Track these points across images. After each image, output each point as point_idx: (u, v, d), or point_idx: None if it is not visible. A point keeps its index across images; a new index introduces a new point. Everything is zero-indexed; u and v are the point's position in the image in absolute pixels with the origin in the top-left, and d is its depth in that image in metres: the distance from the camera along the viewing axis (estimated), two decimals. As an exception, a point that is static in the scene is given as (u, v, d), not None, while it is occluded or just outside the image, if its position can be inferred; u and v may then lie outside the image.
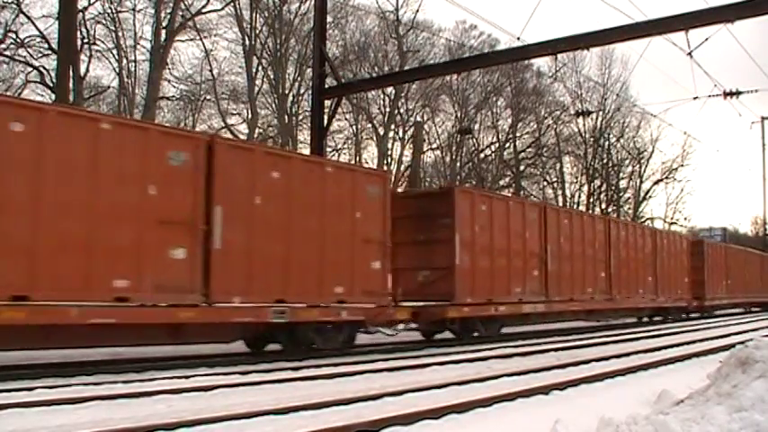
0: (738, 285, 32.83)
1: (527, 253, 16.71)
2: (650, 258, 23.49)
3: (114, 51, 29.29)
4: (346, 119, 36.45)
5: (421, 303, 13.82)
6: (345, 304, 11.86)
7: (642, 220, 47.14)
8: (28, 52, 24.79)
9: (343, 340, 12.38)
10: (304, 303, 11.22)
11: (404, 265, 14.03)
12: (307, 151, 20.18)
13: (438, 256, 14.55)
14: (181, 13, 28.89)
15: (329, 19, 25.03)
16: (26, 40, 24.62)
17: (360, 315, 12.25)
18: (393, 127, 38.53)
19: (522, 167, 43.99)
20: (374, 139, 38.33)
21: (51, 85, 23.36)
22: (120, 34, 29.15)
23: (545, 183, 46.55)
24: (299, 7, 33.05)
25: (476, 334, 15.41)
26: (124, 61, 29.85)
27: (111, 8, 28.17)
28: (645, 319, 25.01)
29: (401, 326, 14.72)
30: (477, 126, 42.10)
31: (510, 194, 35.68)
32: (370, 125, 38.01)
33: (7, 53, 24.96)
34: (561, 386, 8.03)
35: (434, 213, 14.75)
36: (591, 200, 46.14)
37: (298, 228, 11.25)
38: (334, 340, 12.11)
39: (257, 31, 33.13)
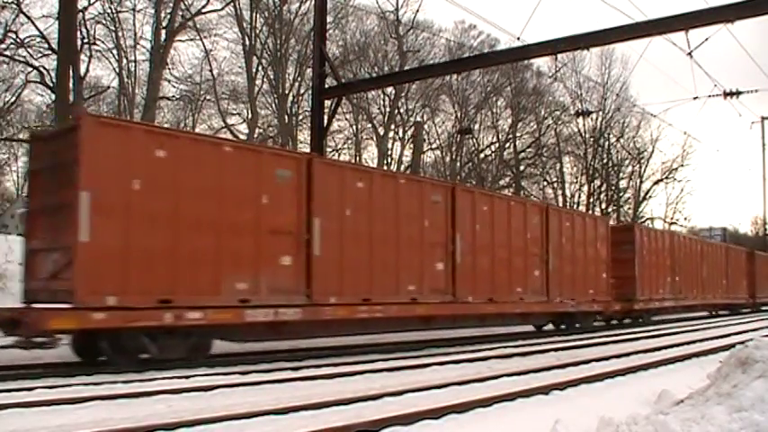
0: (692, 284, 27.62)
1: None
2: (538, 246, 17.07)
3: (114, 51, 29.40)
4: (346, 119, 36.52)
5: None
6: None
7: (642, 219, 47.15)
8: (28, 52, 24.85)
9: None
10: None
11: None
12: (306, 151, 20.19)
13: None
14: (181, 13, 28.92)
15: (329, 19, 25.05)
16: (26, 40, 24.68)
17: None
18: (393, 127, 38.59)
19: (522, 167, 44.02)
20: (374, 139, 38.40)
21: (51, 85, 23.38)
22: (120, 34, 29.26)
23: (545, 183, 46.61)
24: (299, 7, 33.12)
25: None
26: (124, 61, 29.96)
27: (111, 8, 28.27)
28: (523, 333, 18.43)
29: None
30: (477, 126, 42.16)
31: (510, 194, 35.63)
32: (370, 125, 38.08)
33: (7, 53, 24.98)
34: (561, 386, 8.02)
35: None
36: (591, 200, 46.16)
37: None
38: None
39: (257, 31, 33.19)
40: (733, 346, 7.00)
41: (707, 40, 14.44)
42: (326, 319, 11.85)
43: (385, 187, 13.11)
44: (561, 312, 18.07)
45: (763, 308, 38.09)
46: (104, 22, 28.27)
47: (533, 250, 16.79)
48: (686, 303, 27.12)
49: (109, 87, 31.18)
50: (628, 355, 11.93)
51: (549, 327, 18.84)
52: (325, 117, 18.08)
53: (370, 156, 39.24)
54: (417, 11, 37.28)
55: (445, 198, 14.30)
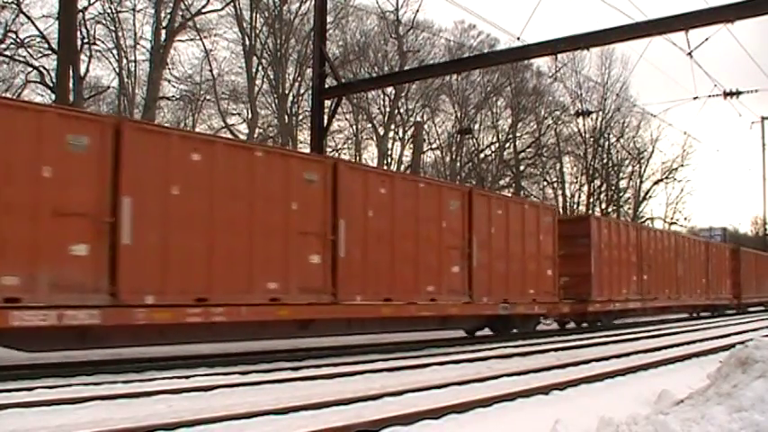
0: (664, 283, 24.61)
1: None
2: (458, 237, 14.52)
3: (114, 51, 29.32)
4: (346, 119, 36.48)
5: None
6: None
7: (642, 219, 47.16)
8: (28, 52, 24.83)
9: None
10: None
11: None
12: (306, 151, 20.19)
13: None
14: (181, 13, 28.89)
15: (329, 19, 25.03)
16: (26, 40, 24.67)
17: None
18: (393, 127, 38.56)
19: (522, 167, 43.99)
20: (374, 139, 38.37)
21: (51, 85, 23.36)
22: (120, 34, 29.19)
23: (545, 183, 46.61)
24: (299, 7, 33.08)
25: None
26: (124, 61, 29.89)
27: (111, 8, 28.19)
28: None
29: None
30: (477, 126, 42.12)
31: (511, 194, 35.61)
32: (370, 125, 38.05)
33: (7, 53, 24.98)
34: (561, 386, 8.03)
35: None
36: (591, 200, 46.16)
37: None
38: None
39: (257, 31, 33.14)
40: (733, 346, 7.01)
41: (707, 40, 14.46)
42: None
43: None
44: (489, 315, 15.62)
45: (751, 309, 36.15)
46: (104, 22, 28.24)
47: (452, 242, 14.35)
48: (657, 305, 24.15)
49: (109, 87, 31.17)
50: (628, 355, 11.94)
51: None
52: (325, 117, 18.08)
53: (370, 156, 39.25)
54: (417, 11, 37.22)
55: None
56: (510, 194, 37.34)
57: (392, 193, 13.00)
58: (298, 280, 11.29)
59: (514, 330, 16.55)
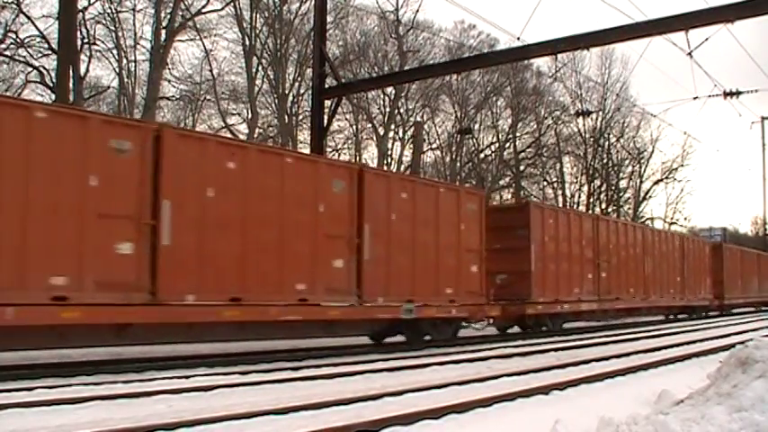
0: (629, 282, 21.78)
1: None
2: (345, 225, 12.27)
3: (114, 51, 29.35)
4: (346, 119, 36.48)
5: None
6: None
7: (642, 219, 47.17)
8: (28, 52, 24.84)
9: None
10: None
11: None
12: (307, 151, 20.19)
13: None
14: (181, 13, 28.90)
15: (329, 19, 25.03)
16: (26, 40, 24.68)
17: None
18: (393, 127, 38.55)
19: (522, 167, 43.99)
20: (374, 139, 38.37)
21: (51, 85, 23.36)
22: (120, 34, 29.20)
23: (545, 183, 46.61)
24: (299, 7, 33.08)
25: None
26: (124, 61, 29.90)
27: (111, 8, 28.21)
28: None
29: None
30: (477, 126, 42.12)
31: (511, 194, 35.58)
32: (370, 125, 38.05)
33: (7, 53, 24.99)
34: (561, 386, 8.03)
35: None
36: (591, 200, 46.16)
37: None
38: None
39: (257, 31, 33.14)
40: (733, 346, 7.00)
41: (707, 40, 14.46)
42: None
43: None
44: (388, 319, 13.01)
45: (735, 311, 33.34)
46: (104, 22, 28.26)
47: (333, 231, 11.86)
48: (619, 306, 21.18)
49: (109, 87, 31.18)
50: (628, 355, 11.94)
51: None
52: (325, 117, 18.09)
53: (370, 156, 39.25)
54: (417, 11, 37.22)
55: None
56: (510, 194, 37.28)
57: (244, 170, 10.54)
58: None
59: (427, 337, 14.03)
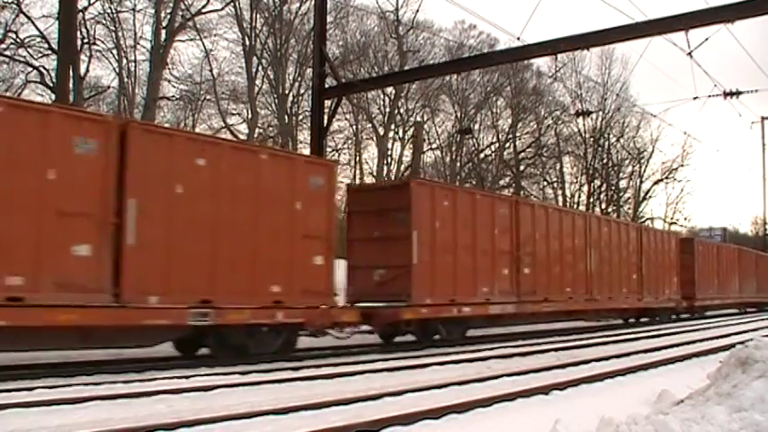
0: (565, 280, 18.14)
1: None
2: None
3: (114, 51, 29.34)
4: (346, 119, 36.48)
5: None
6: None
7: (642, 220, 47.17)
8: (28, 52, 24.84)
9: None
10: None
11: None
12: (307, 151, 20.21)
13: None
14: (181, 13, 28.92)
15: (329, 19, 25.00)
16: (26, 40, 24.68)
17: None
18: (393, 127, 38.57)
19: (522, 167, 43.99)
20: (374, 139, 38.37)
21: (51, 85, 23.37)
22: (120, 34, 29.19)
23: (545, 183, 46.60)
24: (299, 7, 33.10)
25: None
26: (124, 61, 29.89)
27: (111, 8, 28.21)
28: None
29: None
30: (477, 126, 42.13)
31: (511, 194, 35.49)
32: (370, 125, 38.06)
33: (7, 53, 24.98)
34: (561, 386, 8.03)
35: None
36: (591, 200, 46.16)
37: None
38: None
39: (257, 31, 33.17)
40: (733, 346, 7.00)
41: (707, 40, 14.46)
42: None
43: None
44: (169, 326, 9.69)
45: (709, 313, 29.28)
46: (104, 22, 28.26)
47: (77, 207, 8.86)
48: (548, 309, 17.27)
49: (109, 87, 31.16)
50: (628, 355, 11.94)
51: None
52: (325, 117, 18.07)
53: (370, 156, 39.29)
54: (417, 11, 37.30)
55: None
56: (510, 194, 37.21)
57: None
58: None
59: (250, 351, 10.77)
